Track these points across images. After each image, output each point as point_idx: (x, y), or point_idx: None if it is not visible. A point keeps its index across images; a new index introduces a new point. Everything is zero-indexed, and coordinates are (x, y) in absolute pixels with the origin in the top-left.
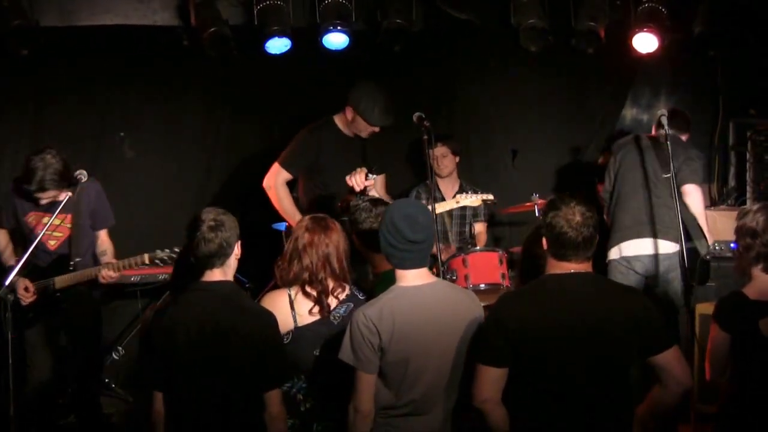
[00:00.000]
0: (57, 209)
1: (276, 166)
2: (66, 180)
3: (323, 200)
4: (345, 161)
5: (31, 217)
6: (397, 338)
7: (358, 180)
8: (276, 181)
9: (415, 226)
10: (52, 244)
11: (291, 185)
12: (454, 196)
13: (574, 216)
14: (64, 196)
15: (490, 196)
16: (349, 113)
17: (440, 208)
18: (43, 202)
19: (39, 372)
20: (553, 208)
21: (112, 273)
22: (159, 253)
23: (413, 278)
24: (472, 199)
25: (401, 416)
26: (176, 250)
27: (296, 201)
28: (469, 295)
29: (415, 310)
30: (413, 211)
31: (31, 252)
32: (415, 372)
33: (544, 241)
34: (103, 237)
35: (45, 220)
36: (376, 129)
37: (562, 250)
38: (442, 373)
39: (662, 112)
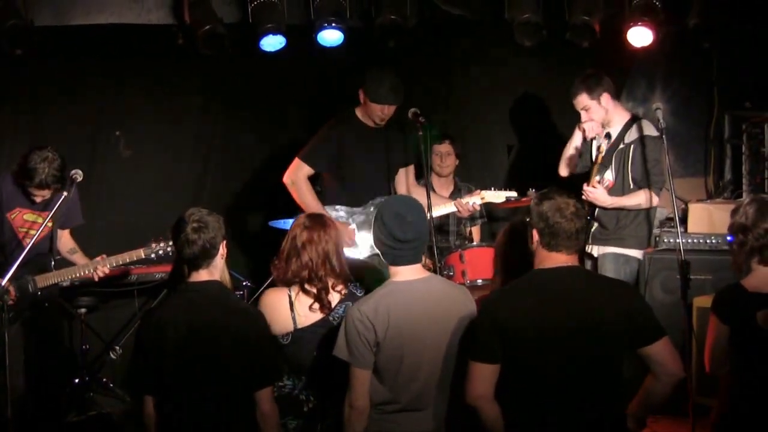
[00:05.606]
0: (51, 208)
1: (297, 161)
2: (63, 178)
3: (347, 193)
4: (367, 153)
5: (14, 213)
6: (392, 334)
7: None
8: (297, 176)
9: (403, 225)
10: (27, 242)
11: (313, 180)
12: (452, 195)
13: (567, 206)
14: (61, 195)
15: (514, 193)
16: (361, 97)
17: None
18: (39, 199)
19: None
20: (546, 199)
21: (107, 269)
22: (154, 246)
23: (406, 273)
24: (496, 194)
25: (396, 412)
26: (171, 243)
27: (319, 195)
28: (462, 290)
29: (409, 305)
30: (403, 210)
31: (4, 251)
32: (409, 367)
33: (534, 233)
34: (68, 235)
35: (26, 216)
36: (386, 110)
37: (555, 240)
38: (436, 369)
39: (657, 105)
